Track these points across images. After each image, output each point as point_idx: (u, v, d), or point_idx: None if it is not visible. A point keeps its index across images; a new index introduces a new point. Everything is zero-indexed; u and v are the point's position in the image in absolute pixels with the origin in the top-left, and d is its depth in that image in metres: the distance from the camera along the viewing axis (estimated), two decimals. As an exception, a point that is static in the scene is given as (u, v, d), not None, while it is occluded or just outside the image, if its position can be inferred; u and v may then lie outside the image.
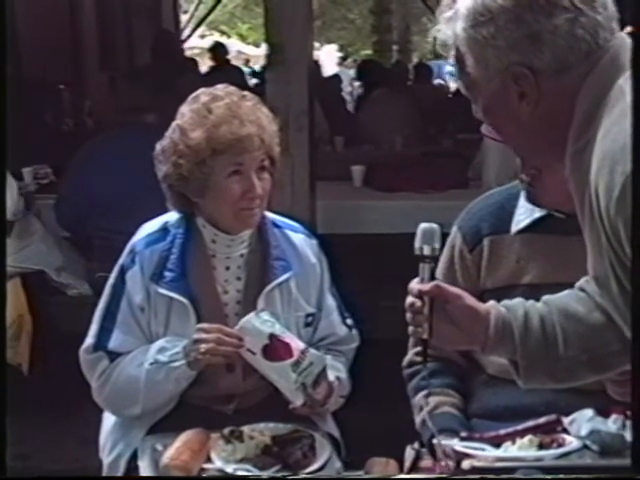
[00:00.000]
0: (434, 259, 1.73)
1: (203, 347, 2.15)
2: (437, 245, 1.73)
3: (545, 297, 1.72)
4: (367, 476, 2.06)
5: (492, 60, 1.45)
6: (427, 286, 1.67)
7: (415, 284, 1.69)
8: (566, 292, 1.73)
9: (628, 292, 1.37)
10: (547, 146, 1.52)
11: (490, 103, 1.51)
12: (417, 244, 1.73)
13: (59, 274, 4.27)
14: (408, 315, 1.68)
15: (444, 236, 2.41)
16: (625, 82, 1.37)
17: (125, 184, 3.80)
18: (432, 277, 1.71)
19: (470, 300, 1.69)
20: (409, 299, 1.68)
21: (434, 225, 1.75)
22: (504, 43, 1.42)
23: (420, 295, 1.67)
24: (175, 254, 2.27)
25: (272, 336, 2.15)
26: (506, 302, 1.71)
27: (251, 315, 2.18)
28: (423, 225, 1.75)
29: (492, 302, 1.71)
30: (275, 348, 2.14)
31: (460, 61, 1.51)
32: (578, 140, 1.43)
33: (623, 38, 1.45)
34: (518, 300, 1.71)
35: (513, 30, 1.41)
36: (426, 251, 1.72)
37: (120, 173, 3.85)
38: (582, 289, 1.69)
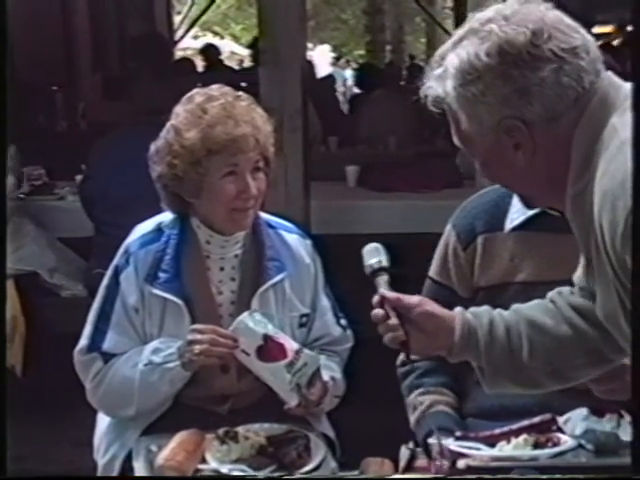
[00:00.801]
0: (384, 270, 1.78)
1: (197, 348, 2.14)
2: (383, 257, 1.80)
3: (515, 306, 1.76)
4: (362, 476, 2.06)
5: (484, 116, 1.49)
6: (388, 294, 1.72)
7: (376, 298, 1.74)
8: (536, 302, 1.77)
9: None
10: (546, 190, 1.55)
11: (487, 156, 1.54)
12: (365, 264, 1.81)
13: (52, 275, 4.27)
14: (380, 328, 1.71)
15: (438, 236, 2.42)
16: (617, 119, 1.41)
17: (134, 182, 3.81)
18: (389, 288, 1.75)
19: (432, 306, 1.73)
20: (374, 312, 1.72)
21: (375, 243, 1.84)
22: (494, 99, 1.46)
23: (382, 304, 1.71)
24: (169, 255, 2.27)
25: (266, 337, 2.15)
26: (473, 309, 1.75)
27: (244, 315, 2.17)
28: (367, 246, 1.84)
29: (459, 308, 1.75)
30: (269, 349, 2.14)
31: (454, 118, 1.55)
32: (577, 182, 1.46)
33: (609, 77, 1.49)
34: (485, 308, 1.76)
35: (501, 86, 1.45)
36: (375, 265, 1.79)
37: (132, 170, 3.87)
38: (552, 301, 1.74)
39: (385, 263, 1.79)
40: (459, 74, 1.48)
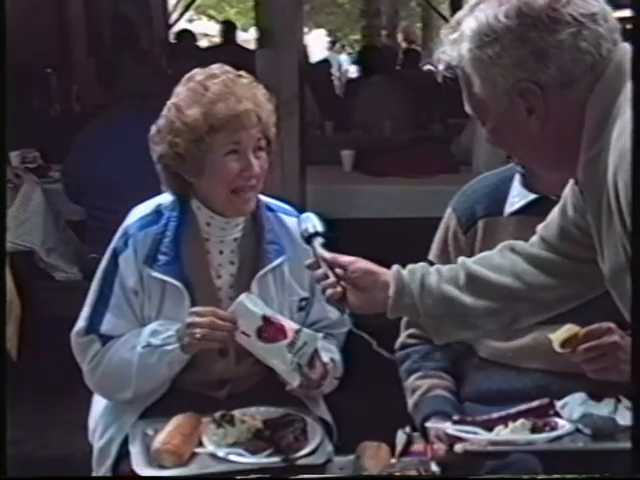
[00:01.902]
0: (318, 234, 1.93)
1: (198, 331, 2.14)
2: (316, 222, 1.96)
3: (461, 258, 1.87)
4: (354, 475, 2.06)
5: (499, 79, 1.49)
6: (324, 255, 1.86)
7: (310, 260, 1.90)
8: (483, 255, 1.89)
9: None
10: (558, 160, 1.55)
11: (499, 122, 1.54)
12: (301, 230, 1.98)
13: (49, 254, 4.25)
14: (319, 287, 1.85)
15: (437, 220, 2.42)
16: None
17: (124, 165, 3.80)
18: (324, 250, 1.89)
19: (365, 263, 1.84)
20: (313, 273, 1.87)
21: (306, 213, 2.02)
22: (510, 62, 1.46)
23: (317, 265, 1.86)
24: (169, 237, 2.26)
25: (265, 317, 2.14)
26: (410, 266, 1.84)
27: (242, 297, 2.17)
28: (300, 216, 2.03)
29: (395, 266, 1.83)
30: (269, 329, 2.14)
31: (467, 83, 1.55)
32: (591, 148, 1.46)
33: (625, 47, 1.48)
34: (421, 264, 1.85)
35: (518, 48, 1.45)
36: (310, 229, 1.95)
37: (120, 154, 3.86)
38: (502, 255, 1.83)
39: (319, 228, 1.95)
40: (476, 36, 1.48)
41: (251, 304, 2.16)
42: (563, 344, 1.93)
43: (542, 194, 2.22)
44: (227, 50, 8.31)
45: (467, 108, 1.59)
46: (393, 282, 1.79)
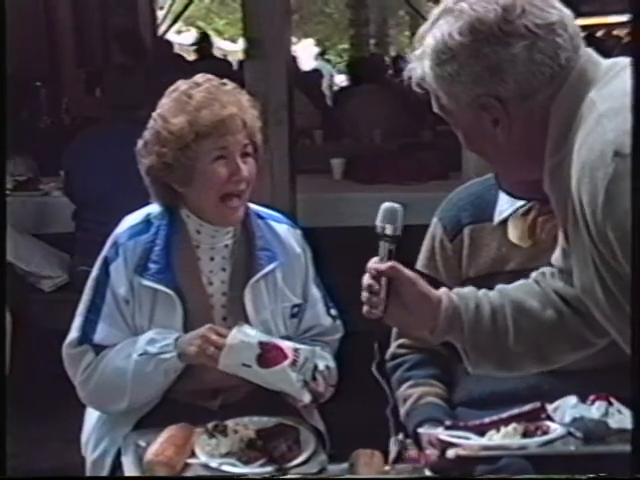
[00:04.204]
0: (395, 239, 1.70)
1: (212, 350, 2.13)
2: (399, 224, 1.70)
3: (500, 286, 1.75)
4: (351, 477, 2.06)
5: (461, 95, 1.50)
6: (384, 266, 1.67)
7: (373, 263, 1.69)
8: (521, 283, 1.76)
9: (614, 295, 1.40)
10: (527, 165, 1.55)
11: (468, 132, 1.56)
12: (378, 222, 1.70)
13: (29, 264, 4.21)
14: (364, 295, 1.68)
15: (425, 227, 2.43)
16: (596, 93, 1.41)
17: (114, 177, 3.80)
18: (390, 257, 1.69)
19: (423, 286, 1.70)
20: (366, 279, 1.68)
21: (396, 205, 1.71)
22: (468, 78, 1.47)
23: (378, 275, 1.67)
24: (159, 246, 2.26)
25: (262, 343, 2.13)
26: (459, 290, 1.73)
27: (233, 332, 2.14)
28: (386, 204, 1.72)
29: (444, 289, 1.73)
30: (269, 354, 2.12)
31: (434, 95, 1.56)
32: (554, 155, 1.46)
33: (588, 53, 1.49)
34: (470, 289, 1.74)
35: (473, 65, 1.46)
36: (388, 230, 1.69)
37: (109, 166, 3.86)
38: (537, 282, 1.74)
39: (398, 232, 1.70)
40: (434, 54, 1.50)
41: (244, 336, 2.14)
42: None
43: (522, 198, 2.23)
44: (206, 62, 8.33)
45: (438, 112, 1.59)
46: (444, 308, 1.69)
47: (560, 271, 1.72)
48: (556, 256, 1.73)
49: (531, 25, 1.43)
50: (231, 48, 19.10)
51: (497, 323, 1.69)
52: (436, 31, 1.50)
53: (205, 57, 9.19)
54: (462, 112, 1.52)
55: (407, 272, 1.69)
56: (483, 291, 1.74)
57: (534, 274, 1.77)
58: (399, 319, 1.72)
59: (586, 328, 1.66)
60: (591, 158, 1.33)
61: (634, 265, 1.20)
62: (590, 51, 1.49)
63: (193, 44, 9.99)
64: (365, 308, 1.68)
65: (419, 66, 1.53)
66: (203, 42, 9.67)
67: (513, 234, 2.23)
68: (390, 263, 1.68)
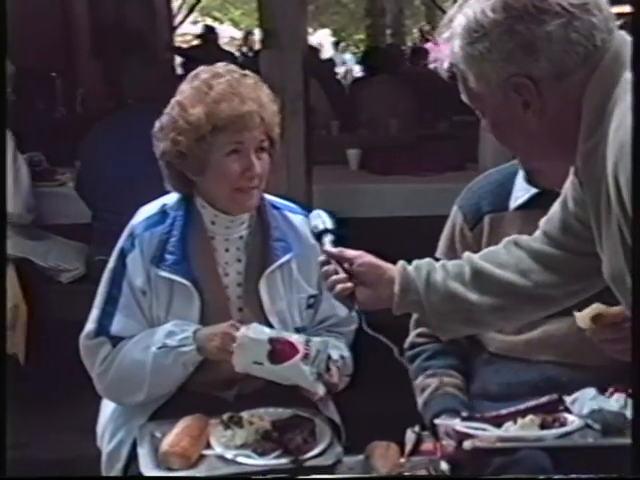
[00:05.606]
0: (328, 231, 1.94)
1: (233, 347, 2.12)
2: (325, 220, 1.97)
3: (466, 254, 1.85)
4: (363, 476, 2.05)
5: (491, 74, 1.48)
6: (330, 250, 1.86)
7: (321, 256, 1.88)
8: (489, 250, 1.87)
9: None
10: (557, 152, 1.53)
11: (497, 116, 1.54)
12: (310, 227, 2.01)
13: (46, 258, 4.22)
14: (328, 283, 1.83)
15: (440, 218, 2.42)
16: (631, 75, 1.38)
17: (131, 167, 3.79)
18: (333, 246, 1.89)
19: (371, 258, 1.83)
20: (323, 268, 1.85)
21: (316, 210, 2.03)
22: (500, 56, 1.45)
23: (327, 261, 1.84)
24: (175, 237, 2.25)
25: (272, 339, 2.12)
26: (416, 261, 1.83)
27: (242, 331, 2.14)
28: (310, 214, 2.04)
29: (401, 262, 1.82)
30: (280, 350, 2.11)
31: (462, 78, 1.54)
32: (589, 139, 1.44)
33: (623, 36, 1.46)
34: (427, 260, 1.84)
35: (507, 42, 1.44)
36: (320, 226, 1.95)
37: (126, 156, 3.86)
38: (507, 250, 1.81)
39: (328, 225, 1.95)
40: (466, 33, 1.48)
41: (254, 334, 2.13)
42: (594, 319, 1.88)
43: (546, 188, 2.21)
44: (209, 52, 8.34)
45: (465, 100, 1.58)
46: (398, 278, 1.78)
47: (546, 234, 1.77)
48: (546, 218, 1.78)
49: (565, 3, 1.42)
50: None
51: (449, 285, 1.76)
52: (467, 10, 1.48)
53: (209, 49, 9.20)
54: (491, 95, 1.50)
55: (351, 250, 1.85)
56: (442, 261, 1.84)
57: (506, 241, 1.84)
58: (362, 297, 1.81)
59: (557, 289, 1.73)
60: (629, 139, 1.29)
61: (634, 265, 1.19)
62: (623, 33, 1.46)
63: (198, 36, 10.01)
64: (335, 290, 1.81)
65: (447, 48, 1.52)
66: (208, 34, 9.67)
67: None
68: (334, 249, 1.87)
